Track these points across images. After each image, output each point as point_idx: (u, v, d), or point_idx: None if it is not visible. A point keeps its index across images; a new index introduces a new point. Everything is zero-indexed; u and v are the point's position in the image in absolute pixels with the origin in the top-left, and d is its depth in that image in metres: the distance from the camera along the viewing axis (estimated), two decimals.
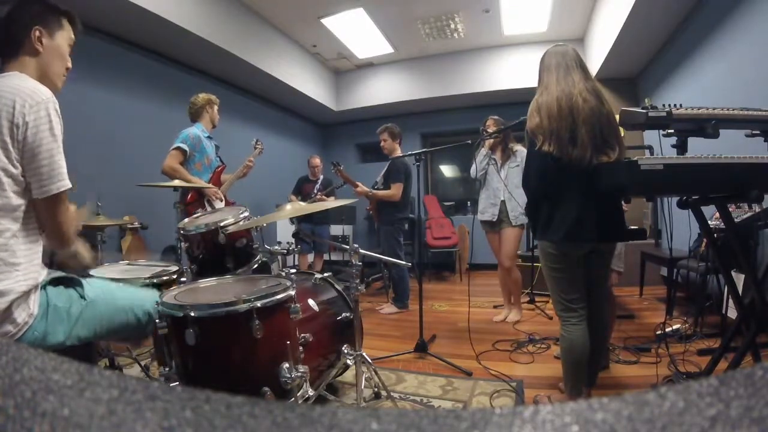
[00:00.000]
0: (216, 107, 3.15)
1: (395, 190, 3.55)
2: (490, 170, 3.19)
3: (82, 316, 1.20)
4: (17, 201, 1.07)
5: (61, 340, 1.15)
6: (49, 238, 1.18)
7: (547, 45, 1.80)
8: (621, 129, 1.65)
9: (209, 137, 3.06)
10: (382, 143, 3.68)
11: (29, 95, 1.07)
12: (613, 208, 1.63)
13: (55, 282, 1.19)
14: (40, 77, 1.17)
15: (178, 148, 2.86)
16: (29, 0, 1.19)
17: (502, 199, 3.13)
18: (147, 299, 1.39)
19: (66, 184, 1.11)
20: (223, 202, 2.98)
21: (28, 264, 1.10)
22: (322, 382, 1.70)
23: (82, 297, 1.22)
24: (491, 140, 3.09)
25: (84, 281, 1.27)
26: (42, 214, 1.13)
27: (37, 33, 1.17)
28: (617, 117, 1.62)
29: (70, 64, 1.27)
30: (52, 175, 1.08)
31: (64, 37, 1.24)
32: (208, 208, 2.78)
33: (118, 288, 1.42)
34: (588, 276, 1.67)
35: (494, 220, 3.16)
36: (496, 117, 3.23)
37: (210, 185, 2.91)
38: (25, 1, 1.19)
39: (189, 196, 2.88)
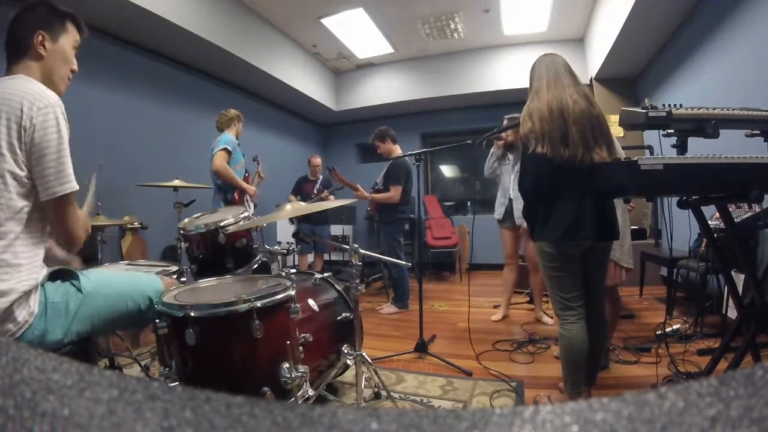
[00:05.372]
0: (242, 124, 3.43)
1: (393, 193, 3.55)
2: (504, 169, 3.21)
3: (80, 310, 1.19)
4: (21, 203, 1.07)
5: (60, 336, 1.15)
6: (59, 240, 1.18)
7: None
8: (621, 129, 1.66)
9: (238, 144, 3.30)
10: (378, 150, 3.70)
11: (36, 98, 1.08)
12: (608, 207, 1.65)
13: (51, 277, 1.19)
14: (45, 81, 1.17)
15: (225, 149, 3.08)
16: (34, 3, 1.20)
17: (509, 197, 3.15)
18: (147, 285, 1.38)
19: (73, 186, 1.11)
20: (253, 203, 3.27)
21: (30, 265, 1.10)
22: (322, 382, 1.70)
23: (79, 290, 1.21)
24: (503, 140, 3.07)
25: (80, 273, 1.26)
26: (50, 217, 1.13)
27: (40, 37, 1.18)
28: (617, 117, 1.62)
29: (75, 67, 1.27)
30: (58, 177, 1.08)
31: (69, 40, 1.24)
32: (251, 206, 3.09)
33: (117, 276, 1.41)
34: (585, 274, 1.68)
35: (500, 218, 3.22)
36: (513, 115, 3.19)
37: (251, 187, 3.23)
38: (30, 5, 1.20)
39: (235, 196, 3.14)
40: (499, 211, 3.24)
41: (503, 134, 2.98)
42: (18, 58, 1.17)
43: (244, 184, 3.16)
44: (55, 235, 1.17)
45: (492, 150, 3.17)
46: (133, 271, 1.93)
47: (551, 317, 3.18)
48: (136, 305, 1.32)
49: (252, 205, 3.15)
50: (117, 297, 1.29)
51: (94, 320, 1.23)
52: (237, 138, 3.36)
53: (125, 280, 1.38)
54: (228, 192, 3.16)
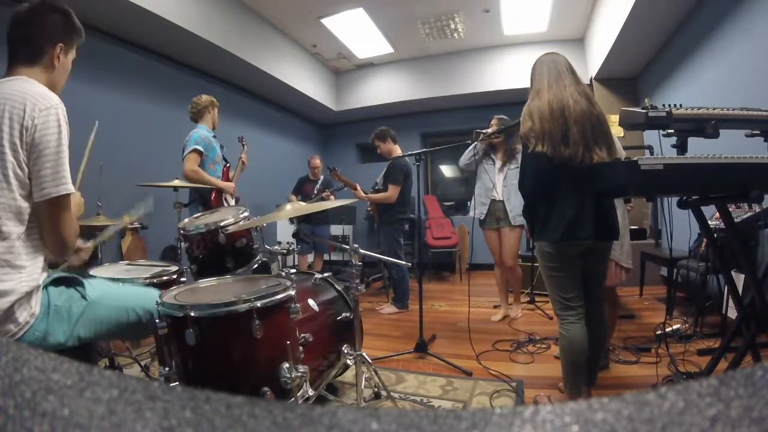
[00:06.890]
0: (217, 109, 3.17)
1: (391, 192, 3.55)
2: (486, 168, 3.19)
3: (83, 316, 1.19)
4: (24, 203, 1.07)
5: (61, 340, 1.15)
6: (48, 244, 1.15)
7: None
8: (621, 129, 1.66)
9: (214, 136, 3.09)
10: (378, 150, 3.70)
11: (39, 99, 1.08)
12: (608, 207, 1.64)
13: (56, 282, 1.19)
14: (47, 88, 1.16)
15: (195, 151, 2.87)
16: (54, 9, 1.18)
17: (492, 198, 3.15)
18: (148, 298, 1.38)
19: (68, 188, 1.09)
20: (234, 198, 3.09)
21: (32, 266, 1.10)
22: (322, 382, 1.70)
23: (83, 297, 1.21)
24: (487, 139, 3.08)
25: (85, 281, 1.26)
26: (42, 219, 1.11)
27: (59, 49, 1.18)
28: (617, 117, 1.62)
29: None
30: (54, 178, 1.07)
31: (73, 54, 1.25)
32: (230, 203, 2.96)
33: (120, 287, 1.42)
34: (585, 275, 1.68)
35: (481, 218, 3.19)
36: (502, 116, 3.21)
37: (229, 184, 3.02)
38: (51, 10, 1.18)
39: (212, 196, 2.94)
40: (479, 210, 3.16)
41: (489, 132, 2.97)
42: (29, 62, 1.15)
43: (221, 183, 2.94)
44: (45, 239, 1.13)
45: (476, 143, 3.14)
46: (134, 270, 1.93)
47: (518, 311, 3.32)
48: (136, 317, 1.33)
49: (234, 201, 3.03)
50: (119, 308, 1.29)
51: (97, 328, 1.23)
52: (214, 127, 3.11)
53: (127, 294, 1.39)
54: (205, 193, 2.94)
